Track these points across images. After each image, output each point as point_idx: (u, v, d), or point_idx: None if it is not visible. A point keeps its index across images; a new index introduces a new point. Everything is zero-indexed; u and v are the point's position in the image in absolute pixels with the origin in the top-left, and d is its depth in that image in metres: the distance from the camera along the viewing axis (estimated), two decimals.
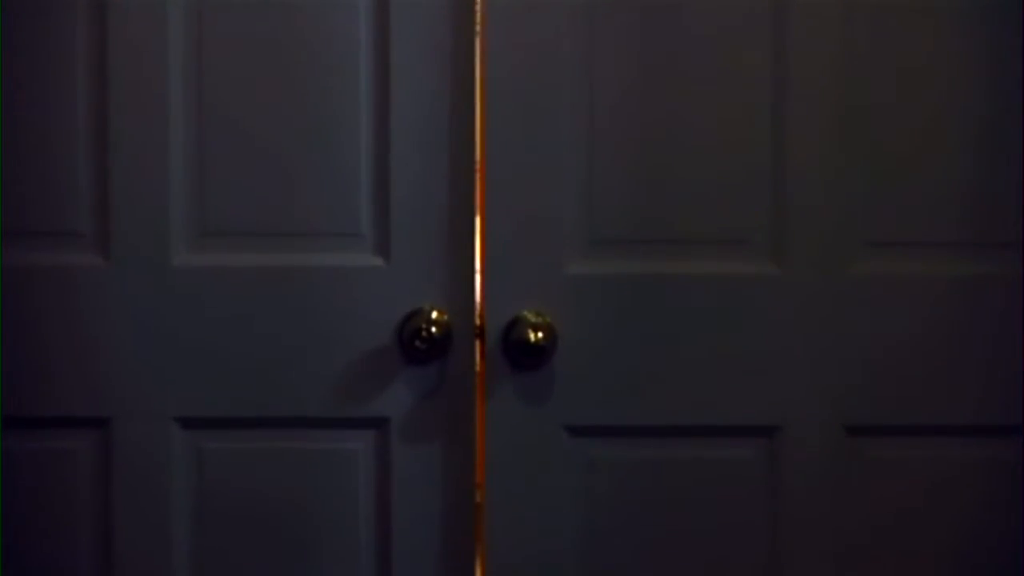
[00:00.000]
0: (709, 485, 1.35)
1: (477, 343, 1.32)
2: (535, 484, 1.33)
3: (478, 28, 1.28)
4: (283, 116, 1.30)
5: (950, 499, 1.36)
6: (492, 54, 1.28)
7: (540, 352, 1.28)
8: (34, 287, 1.31)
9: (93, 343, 1.32)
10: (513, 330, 1.30)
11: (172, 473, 1.34)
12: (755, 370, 1.33)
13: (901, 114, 1.32)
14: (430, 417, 1.33)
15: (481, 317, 1.32)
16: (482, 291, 1.31)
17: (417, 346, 1.27)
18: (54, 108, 1.31)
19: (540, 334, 1.27)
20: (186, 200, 1.32)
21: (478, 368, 1.32)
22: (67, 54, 1.30)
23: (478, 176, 1.30)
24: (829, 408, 1.34)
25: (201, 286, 1.32)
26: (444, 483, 1.34)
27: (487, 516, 1.33)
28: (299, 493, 1.34)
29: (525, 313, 1.31)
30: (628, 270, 1.33)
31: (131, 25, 1.29)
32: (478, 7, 1.28)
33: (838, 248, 1.33)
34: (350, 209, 1.32)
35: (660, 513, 1.35)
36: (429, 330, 1.27)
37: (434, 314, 1.31)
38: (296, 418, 1.33)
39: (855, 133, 1.31)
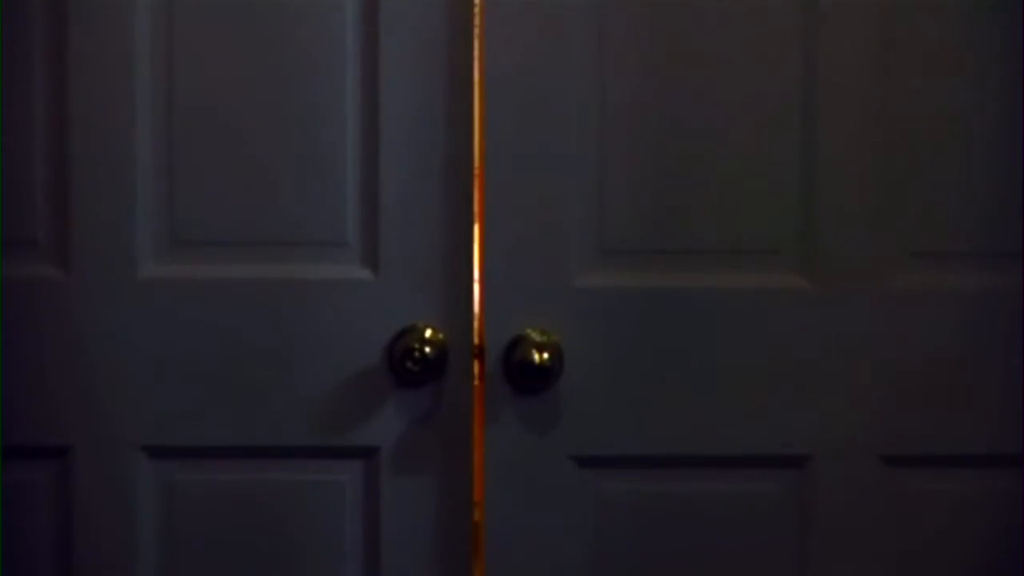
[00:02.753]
0: (732, 521, 1.31)
1: (475, 364, 1.28)
2: (539, 520, 1.29)
3: (476, 21, 1.25)
4: (261, 116, 1.26)
5: (997, 535, 1.32)
6: (492, 49, 1.25)
7: (545, 374, 1.24)
8: None
9: (51, 363, 1.27)
10: (515, 350, 1.26)
11: (139, 508, 1.29)
12: (783, 394, 1.29)
13: (943, 113, 1.29)
14: (424, 446, 1.28)
15: (480, 335, 1.28)
16: (481, 307, 1.27)
17: (409, 367, 1.23)
18: (8, 103, 1.26)
19: (545, 354, 1.23)
20: (154, 206, 1.27)
21: (476, 392, 1.28)
22: (24, 46, 1.26)
23: (477, 180, 1.27)
24: (864, 436, 1.30)
25: (170, 301, 1.28)
26: (439, 518, 1.29)
27: (487, 556, 1.29)
28: (279, 530, 1.30)
29: (528, 331, 1.27)
30: (643, 283, 1.29)
31: (94, 18, 1.25)
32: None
33: (874, 259, 1.29)
34: (335, 216, 1.27)
35: (678, 552, 1.31)
36: (422, 350, 1.23)
37: (428, 332, 1.27)
38: (276, 447, 1.29)
39: (892, 133, 1.28)
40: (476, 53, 1.26)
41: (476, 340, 1.28)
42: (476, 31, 1.26)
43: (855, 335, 1.29)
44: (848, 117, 1.27)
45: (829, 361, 1.29)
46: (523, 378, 1.25)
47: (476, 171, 1.27)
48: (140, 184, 1.27)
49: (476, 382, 1.28)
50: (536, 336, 1.26)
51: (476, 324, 1.28)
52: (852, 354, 1.29)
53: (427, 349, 1.24)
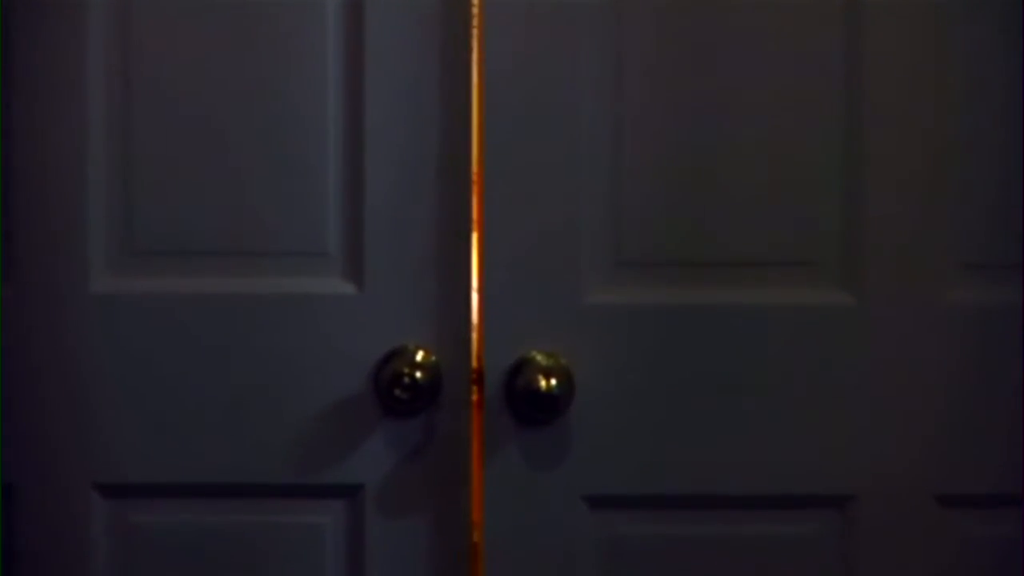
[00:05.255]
0: (765, 569, 1.25)
1: (473, 391, 1.24)
2: (547, 568, 1.24)
3: (475, 10, 1.22)
4: (232, 112, 1.23)
5: None
6: (492, 41, 1.22)
7: (553, 402, 1.19)
8: None
9: None
10: (519, 375, 1.22)
11: (91, 554, 1.25)
12: (823, 424, 1.24)
13: (999, 113, 1.24)
14: (414, 484, 1.24)
15: (479, 359, 1.24)
16: (479, 326, 1.24)
17: (398, 395, 1.19)
18: None
19: (553, 380, 1.19)
20: (109, 211, 1.23)
21: (474, 423, 1.24)
22: None
23: (475, 184, 1.23)
24: (915, 472, 1.24)
25: (127, 318, 1.23)
26: (430, 566, 1.24)
27: None
28: None
29: (534, 354, 1.22)
30: (663, 299, 1.24)
31: (43, 7, 1.22)
32: None
33: (925, 271, 1.24)
34: (314, 223, 1.24)
35: None
36: (413, 375, 1.19)
37: (419, 354, 1.23)
38: (246, 485, 1.24)
39: (944, 134, 1.24)
40: (475, 45, 1.23)
41: (474, 364, 1.24)
42: (475, 20, 1.22)
43: (904, 356, 1.24)
44: (896, 117, 1.23)
45: (875, 386, 1.24)
46: (528, 407, 1.20)
47: (475, 174, 1.23)
48: (92, 186, 1.23)
49: (474, 412, 1.24)
50: (542, 359, 1.22)
51: (474, 346, 1.24)
52: (901, 378, 1.24)
53: (418, 374, 1.19)
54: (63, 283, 1.22)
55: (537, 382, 1.18)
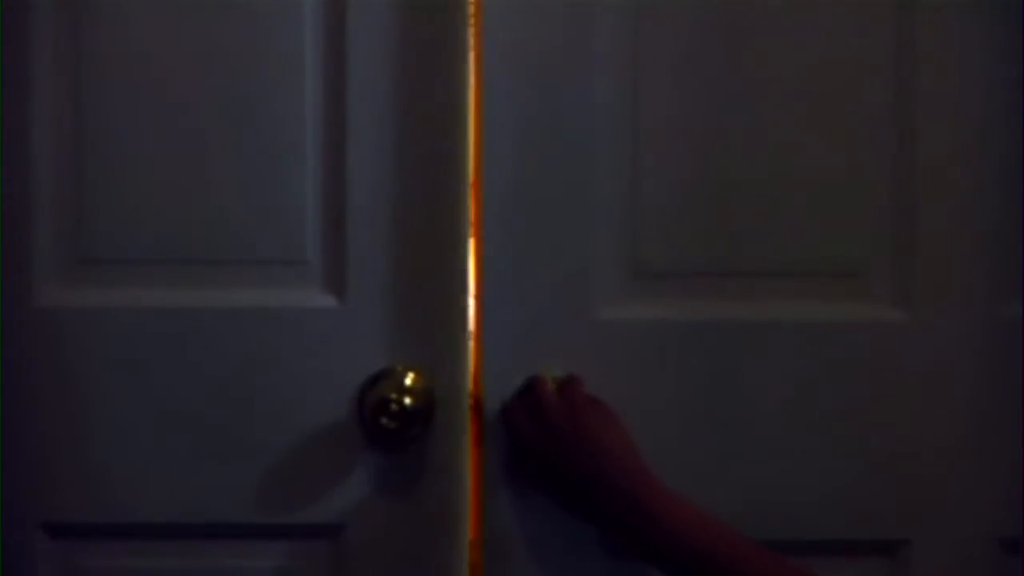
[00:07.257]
0: None
1: (471, 419, 1.19)
2: None
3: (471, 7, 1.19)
4: (197, 106, 1.19)
5: None
6: (493, 33, 1.18)
7: None
8: None
9: None
10: None
11: None
12: (870, 459, 1.19)
13: None
14: (403, 524, 1.19)
15: (476, 382, 1.20)
16: (477, 344, 1.20)
17: (384, 424, 1.14)
18: None
19: None
20: (57, 215, 1.19)
21: (472, 455, 1.19)
22: None
23: (473, 185, 1.19)
24: (976, 513, 1.19)
25: (75, 335, 1.19)
26: None
27: None
28: None
29: (541, 375, 1.17)
30: (687, 314, 1.19)
31: None
32: None
33: (986, 283, 1.19)
34: (289, 226, 1.19)
35: None
36: (401, 400, 1.14)
37: (409, 377, 1.18)
38: (213, 525, 1.20)
39: (1002, 135, 1.19)
40: (472, 36, 1.19)
41: (471, 388, 1.20)
42: (472, 12, 1.19)
43: (962, 379, 1.19)
44: (950, 118, 1.19)
45: (928, 413, 1.19)
46: None
47: (473, 174, 1.19)
48: (37, 188, 1.18)
49: (472, 442, 1.20)
50: (551, 382, 1.17)
51: (471, 367, 1.20)
52: (958, 404, 1.19)
53: (408, 400, 1.15)
54: (5, 295, 1.17)
55: None
